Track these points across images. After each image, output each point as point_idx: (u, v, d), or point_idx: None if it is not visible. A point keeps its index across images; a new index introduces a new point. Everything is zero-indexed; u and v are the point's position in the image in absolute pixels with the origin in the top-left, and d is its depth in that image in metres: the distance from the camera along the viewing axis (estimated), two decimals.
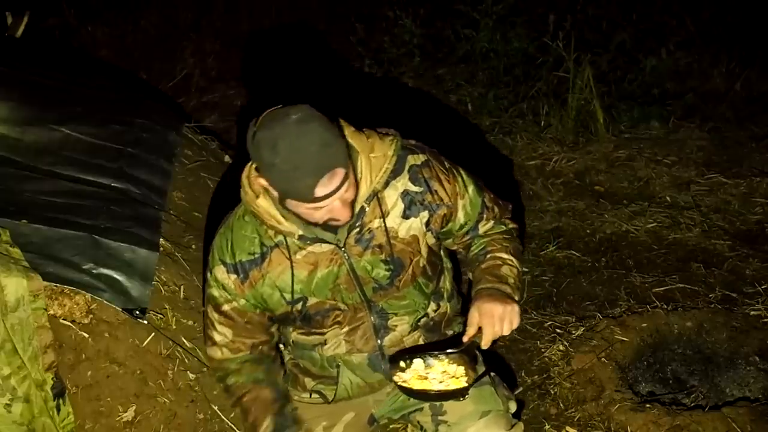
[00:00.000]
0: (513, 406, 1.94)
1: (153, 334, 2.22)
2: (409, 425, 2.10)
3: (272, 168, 1.56)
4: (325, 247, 1.78)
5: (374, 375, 1.94)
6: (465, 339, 1.75)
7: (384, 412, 2.01)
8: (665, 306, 2.90)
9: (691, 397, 2.58)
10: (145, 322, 2.23)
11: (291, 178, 1.56)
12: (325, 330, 1.89)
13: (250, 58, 5.43)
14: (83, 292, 2.15)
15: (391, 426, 2.24)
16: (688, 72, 4.76)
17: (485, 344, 1.72)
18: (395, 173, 1.78)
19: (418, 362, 1.76)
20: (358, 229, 1.78)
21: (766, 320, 2.78)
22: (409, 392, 1.73)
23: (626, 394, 2.51)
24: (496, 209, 1.95)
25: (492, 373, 1.96)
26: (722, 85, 4.64)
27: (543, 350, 2.81)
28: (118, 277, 2.24)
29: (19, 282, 1.94)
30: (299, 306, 1.83)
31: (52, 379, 2.00)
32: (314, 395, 2.00)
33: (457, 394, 1.72)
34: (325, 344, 1.92)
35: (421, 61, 5.17)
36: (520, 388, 2.66)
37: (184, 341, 2.30)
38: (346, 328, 1.88)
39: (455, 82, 4.92)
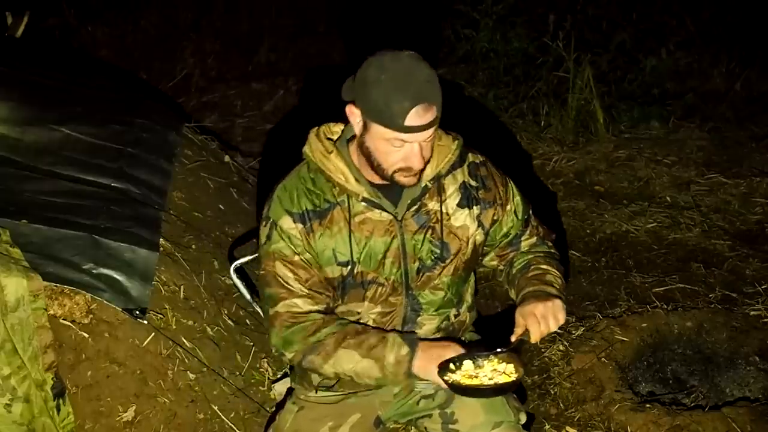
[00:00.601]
0: (523, 418, 1.94)
1: (153, 334, 2.22)
2: (414, 429, 2.09)
3: (375, 84, 1.61)
4: (384, 216, 1.81)
5: None
6: (513, 338, 1.77)
7: (391, 415, 2.01)
8: (665, 306, 2.90)
9: (691, 397, 2.58)
10: (145, 322, 2.23)
11: (390, 96, 1.60)
12: (355, 305, 1.88)
13: (251, 59, 5.43)
14: (83, 292, 2.15)
15: (391, 426, 2.23)
16: (688, 72, 4.77)
17: (534, 340, 1.75)
18: (455, 166, 1.86)
19: (467, 363, 1.75)
20: (417, 207, 1.83)
21: (766, 320, 2.78)
22: (462, 390, 1.72)
23: (626, 394, 2.51)
24: (541, 230, 2.00)
25: None
26: (722, 85, 4.65)
27: (543, 350, 2.81)
28: (118, 277, 2.24)
29: (19, 282, 1.94)
30: (346, 271, 1.82)
31: (52, 379, 2.00)
32: (320, 390, 2.00)
33: (513, 386, 1.73)
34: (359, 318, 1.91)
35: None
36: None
37: (184, 341, 2.30)
38: (378, 308, 1.88)
39: (455, 82, 4.92)
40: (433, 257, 1.85)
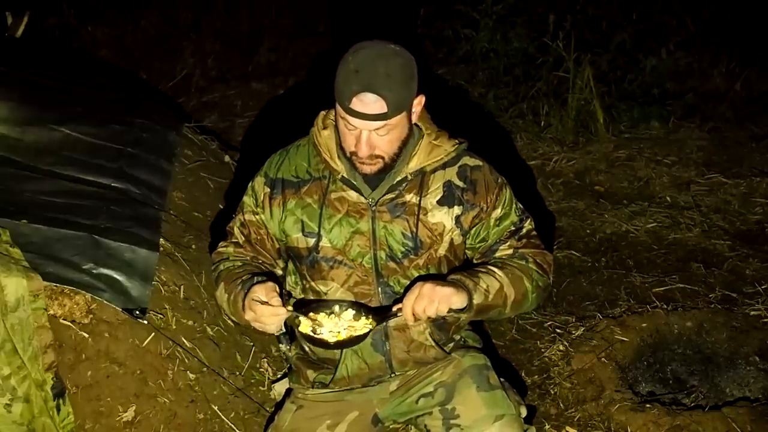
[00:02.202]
0: (524, 411, 1.95)
1: (153, 334, 2.21)
2: (414, 429, 2.10)
3: (342, 63, 1.69)
4: (360, 198, 1.86)
5: (375, 355, 1.94)
6: (394, 308, 1.78)
7: (389, 414, 2.01)
8: (665, 306, 2.90)
9: (691, 397, 2.58)
10: (145, 322, 2.22)
11: (346, 76, 1.67)
12: (321, 283, 1.90)
13: (251, 59, 5.43)
14: (83, 292, 2.15)
15: (391, 426, 2.24)
16: (688, 72, 4.77)
17: (405, 316, 1.73)
18: (446, 165, 1.89)
19: (328, 313, 1.83)
20: (393, 195, 1.86)
21: (766, 320, 2.78)
22: (309, 338, 1.80)
23: (626, 394, 2.51)
24: (528, 246, 1.92)
25: (502, 379, 1.97)
26: (722, 85, 4.65)
27: (543, 350, 2.81)
28: (118, 277, 2.24)
29: (19, 282, 1.94)
30: (311, 242, 1.88)
31: (52, 379, 2.00)
32: (316, 387, 2.00)
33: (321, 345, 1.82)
34: None
35: (421, 61, 5.17)
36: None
37: (184, 341, 2.30)
38: (352, 299, 1.89)
39: (455, 82, 4.92)
40: (404, 249, 1.87)
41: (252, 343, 2.52)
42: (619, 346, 2.72)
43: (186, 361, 2.25)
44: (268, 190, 1.91)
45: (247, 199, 1.96)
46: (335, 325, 1.81)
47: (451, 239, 1.90)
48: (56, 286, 2.11)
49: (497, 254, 1.92)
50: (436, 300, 1.70)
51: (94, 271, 2.21)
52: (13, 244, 2.09)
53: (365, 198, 1.86)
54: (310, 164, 1.90)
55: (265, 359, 2.51)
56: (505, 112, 4.54)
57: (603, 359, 2.66)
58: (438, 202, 1.87)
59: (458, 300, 1.74)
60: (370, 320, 1.82)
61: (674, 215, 3.55)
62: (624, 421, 2.40)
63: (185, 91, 5.02)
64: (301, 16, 5.86)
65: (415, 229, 1.86)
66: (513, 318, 3.00)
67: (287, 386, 2.19)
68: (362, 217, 1.86)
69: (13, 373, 1.91)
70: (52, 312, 2.08)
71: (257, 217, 1.93)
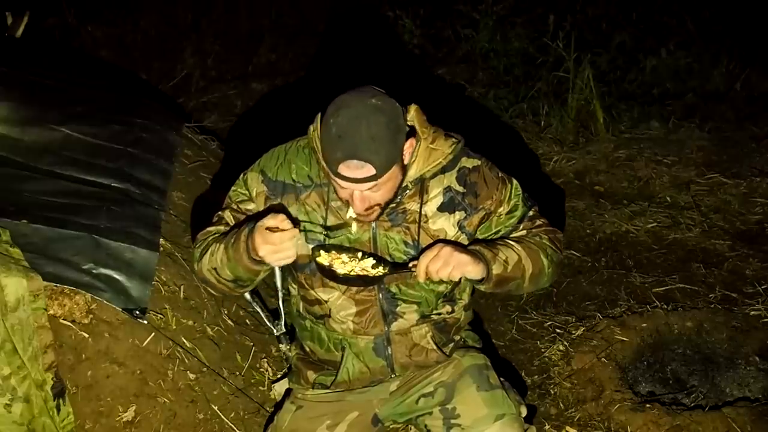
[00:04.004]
0: (524, 411, 1.95)
1: (153, 334, 2.22)
2: (414, 429, 2.10)
3: (325, 127, 1.65)
4: None
5: (376, 359, 1.95)
6: (410, 264, 1.79)
7: (388, 414, 2.01)
8: (665, 306, 2.90)
9: (691, 397, 2.58)
10: (145, 322, 2.23)
11: (330, 142, 1.63)
12: (322, 291, 1.90)
13: (251, 59, 5.43)
14: (83, 292, 2.15)
15: (391, 426, 2.24)
16: (688, 72, 4.77)
17: (418, 274, 1.73)
18: (445, 169, 1.85)
19: (344, 253, 1.81)
20: (394, 204, 1.84)
21: (766, 320, 2.78)
22: (321, 267, 1.78)
23: (626, 394, 2.51)
24: (539, 224, 1.95)
25: (502, 378, 1.97)
26: (722, 85, 4.65)
27: (543, 350, 2.81)
28: (118, 277, 2.24)
29: (19, 282, 1.94)
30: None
31: (52, 379, 2.00)
32: (317, 387, 2.00)
33: (366, 282, 1.81)
34: (330, 316, 1.92)
35: (421, 61, 5.18)
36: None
37: (184, 341, 2.30)
38: (353, 308, 1.89)
39: (455, 82, 4.92)
40: (405, 257, 1.86)
41: (252, 343, 2.52)
42: (619, 346, 2.72)
43: (186, 361, 2.25)
44: (265, 188, 1.86)
45: (241, 191, 1.90)
46: (351, 266, 1.80)
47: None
48: (56, 286, 2.11)
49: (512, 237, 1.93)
50: (451, 264, 1.70)
51: (94, 271, 2.21)
52: (13, 244, 2.09)
53: None
54: (311, 169, 1.86)
55: (265, 359, 2.51)
56: (505, 112, 4.54)
57: (603, 359, 2.66)
58: (438, 208, 1.86)
59: (474, 270, 1.75)
60: (387, 270, 1.81)
61: (674, 215, 3.54)
62: (624, 421, 2.40)
63: (185, 91, 5.02)
64: (301, 16, 5.86)
65: (416, 237, 1.85)
66: (513, 318, 3.00)
67: (287, 386, 2.19)
68: (363, 226, 1.84)
69: (13, 373, 1.91)
70: (52, 312, 2.08)
71: (254, 206, 1.88)
